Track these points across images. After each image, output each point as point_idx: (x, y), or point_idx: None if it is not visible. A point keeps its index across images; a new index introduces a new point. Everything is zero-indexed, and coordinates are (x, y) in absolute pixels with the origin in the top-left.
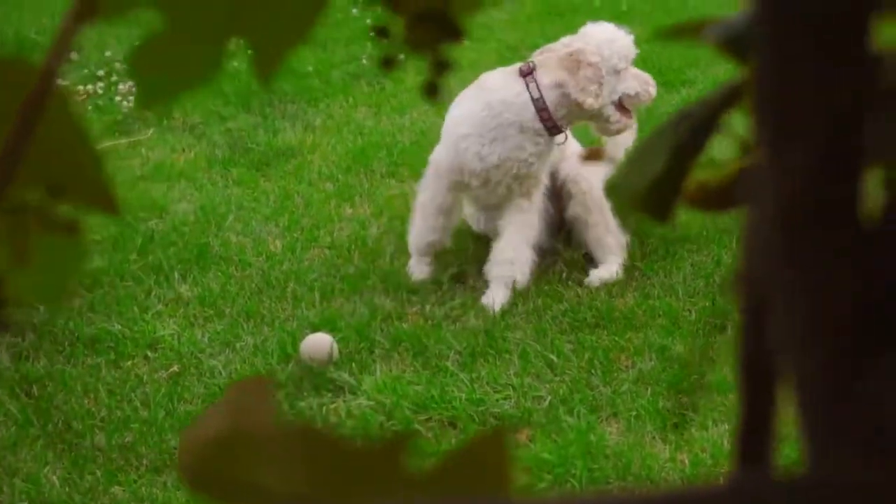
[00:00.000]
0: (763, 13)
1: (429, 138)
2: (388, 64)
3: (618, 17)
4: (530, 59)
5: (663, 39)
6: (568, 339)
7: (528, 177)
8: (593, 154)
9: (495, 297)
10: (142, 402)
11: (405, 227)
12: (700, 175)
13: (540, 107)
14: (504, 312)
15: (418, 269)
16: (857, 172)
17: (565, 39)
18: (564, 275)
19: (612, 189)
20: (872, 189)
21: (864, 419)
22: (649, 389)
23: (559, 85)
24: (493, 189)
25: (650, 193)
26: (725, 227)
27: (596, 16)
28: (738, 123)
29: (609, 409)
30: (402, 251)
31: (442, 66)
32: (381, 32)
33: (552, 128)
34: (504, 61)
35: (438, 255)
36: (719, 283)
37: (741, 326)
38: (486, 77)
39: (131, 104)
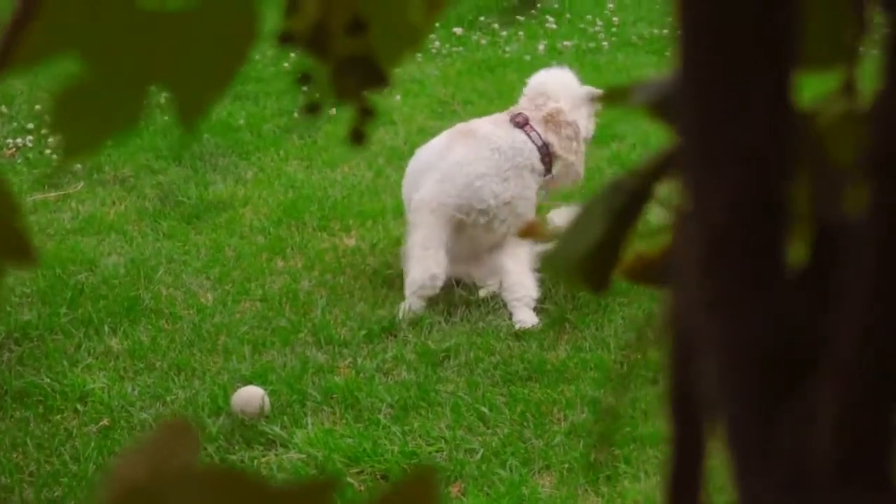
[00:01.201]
0: (686, 64)
1: (360, 191)
2: (312, 110)
3: None
4: (518, 112)
5: (601, 105)
6: (500, 391)
7: (527, 213)
8: (531, 230)
9: (524, 318)
10: (71, 456)
11: (337, 280)
12: (637, 247)
13: (544, 153)
14: (435, 365)
15: (416, 304)
16: (778, 216)
17: (530, 96)
18: (496, 327)
19: (549, 260)
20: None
21: (786, 455)
22: (582, 442)
23: (550, 142)
24: (496, 228)
25: (587, 263)
26: None
27: (526, 71)
28: (671, 192)
29: (541, 462)
30: (334, 304)
31: (367, 114)
32: (305, 79)
33: (549, 169)
34: (436, 115)
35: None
36: (641, 333)
37: (670, 370)
38: (474, 126)
39: None
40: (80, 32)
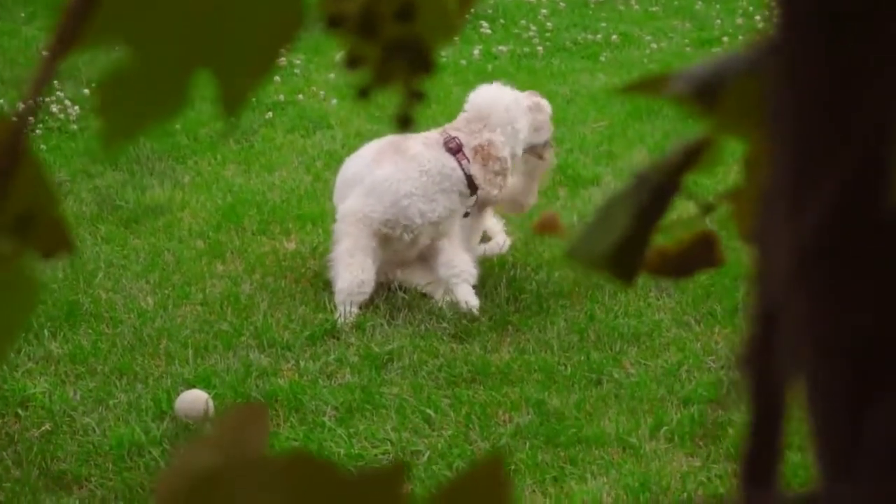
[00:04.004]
0: (785, 56)
1: (299, 195)
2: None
3: (483, 78)
4: (452, 135)
5: (626, 95)
6: (445, 393)
7: (451, 228)
8: (547, 225)
9: (467, 298)
10: (14, 461)
11: (278, 283)
12: (659, 242)
13: (472, 182)
14: (379, 368)
15: (351, 310)
16: (881, 204)
17: (469, 117)
18: (439, 329)
19: (575, 252)
20: None
21: (874, 453)
22: (527, 443)
23: (474, 174)
24: (420, 242)
25: (615, 256)
26: (598, 282)
27: (462, 76)
28: (696, 184)
29: None
30: (276, 307)
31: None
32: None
33: (476, 192)
34: (373, 119)
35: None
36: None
37: (751, 349)
38: (405, 143)
39: None
40: (127, 18)
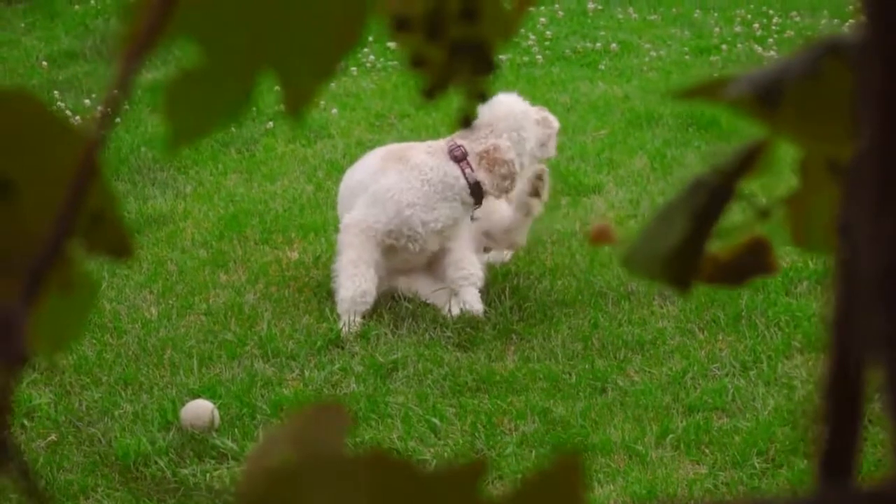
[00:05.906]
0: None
1: (301, 205)
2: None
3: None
4: (459, 143)
5: (684, 99)
6: (450, 402)
7: (456, 235)
8: (602, 234)
9: (471, 301)
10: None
11: (281, 293)
12: (713, 248)
13: (476, 190)
14: (384, 377)
15: (355, 320)
16: None
17: (478, 125)
18: (443, 338)
19: (630, 258)
20: None
21: None
22: (533, 452)
23: (481, 180)
24: (428, 249)
25: (671, 262)
26: (600, 290)
27: None
28: (752, 189)
29: (494, 472)
30: (279, 317)
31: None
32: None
33: (479, 202)
34: (373, 129)
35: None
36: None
37: (829, 339)
38: (409, 152)
39: None
40: (200, 16)
